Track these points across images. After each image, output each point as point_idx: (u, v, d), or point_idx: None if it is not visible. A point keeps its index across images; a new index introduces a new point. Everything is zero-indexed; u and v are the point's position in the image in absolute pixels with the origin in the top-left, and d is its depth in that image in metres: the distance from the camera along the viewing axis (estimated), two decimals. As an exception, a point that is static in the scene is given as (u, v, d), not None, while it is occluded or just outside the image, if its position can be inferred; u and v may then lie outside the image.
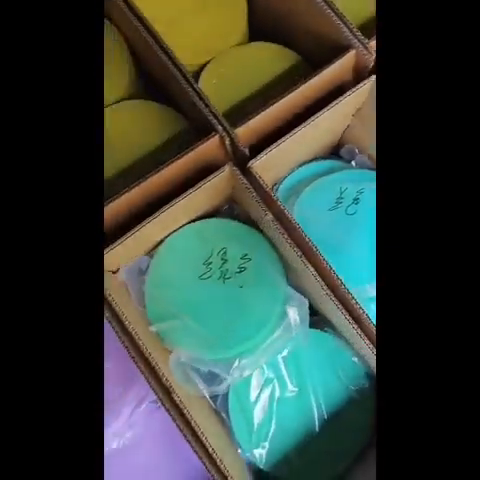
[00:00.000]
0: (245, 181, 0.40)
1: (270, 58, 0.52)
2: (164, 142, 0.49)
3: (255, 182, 0.40)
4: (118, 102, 0.51)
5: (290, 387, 0.45)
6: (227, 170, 0.40)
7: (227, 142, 0.40)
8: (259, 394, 0.44)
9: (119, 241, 0.40)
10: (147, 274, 0.46)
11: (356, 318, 0.39)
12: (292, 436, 0.44)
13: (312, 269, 0.38)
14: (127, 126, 0.50)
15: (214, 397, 0.45)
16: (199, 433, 0.35)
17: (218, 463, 0.35)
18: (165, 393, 0.37)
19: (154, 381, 0.37)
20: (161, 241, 0.47)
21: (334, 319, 0.43)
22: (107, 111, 0.51)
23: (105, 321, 0.40)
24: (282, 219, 0.39)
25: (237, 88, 0.50)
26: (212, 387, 0.43)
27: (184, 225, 0.47)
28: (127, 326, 0.37)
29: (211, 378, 0.44)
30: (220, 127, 0.40)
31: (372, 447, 0.43)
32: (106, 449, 0.42)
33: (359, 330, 0.39)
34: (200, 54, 0.53)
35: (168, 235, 0.47)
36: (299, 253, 0.39)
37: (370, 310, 0.38)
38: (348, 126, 0.52)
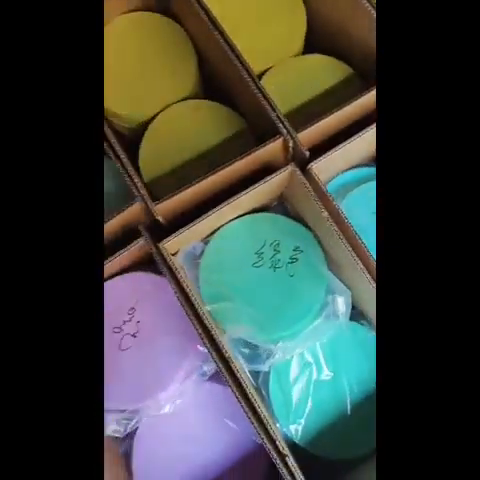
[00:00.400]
0: (305, 181, 0.44)
1: (326, 70, 0.57)
2: (224, 141, 0.53)
3: (314, 182, 0.44)
4: (182, 100, 0.56)
5: (326, 371, 0.49)
6: (289, 170, 0.45)
7: (290, 144, 0.45)
8: (298, 376, 0.48)
9: (183, 229, 0.44)
10: (201, 258, 0.50)
11: None
12: (326, 416, 0.48)
13: (361, 265, 0.42)
14: (191, 124, 0.54)
15: (256, 375, 0.49)
16: (253, 400, 0.40)
17: (270, 430, 0.39)
18: (224, 363, 0.41)
19: (215, 352, 0.41)
20: (216, 229, 0.52)
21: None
22: (172, 109, 0.55)
23: (173, 296, 0.45)
24: (336, 217, 0.44)
25: (294, 96, 0.55)
26: (254, 364, 0.47)
27: (238, 217, 0.52)
28: (193, 302, 0.42)
29: (255, 356, 0.48)
30: (285, 130, 0.45)
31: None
32: (157, 412, 0.46)
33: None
34: (260, 62, 0.57)
35: (223, 224, 0.52)
36: (349, 249, 0.43)
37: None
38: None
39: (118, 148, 0.44)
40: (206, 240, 0.52)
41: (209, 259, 0.50)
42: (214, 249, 0.50)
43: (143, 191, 0.43)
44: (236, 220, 0.52)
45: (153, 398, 0.46)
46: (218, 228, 0.52)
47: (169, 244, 0.43)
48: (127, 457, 0.49)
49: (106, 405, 0.45)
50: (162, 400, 0.46)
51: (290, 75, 0.56)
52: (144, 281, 0.50)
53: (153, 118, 0.55)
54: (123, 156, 0.44)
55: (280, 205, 0.55)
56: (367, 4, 0.49)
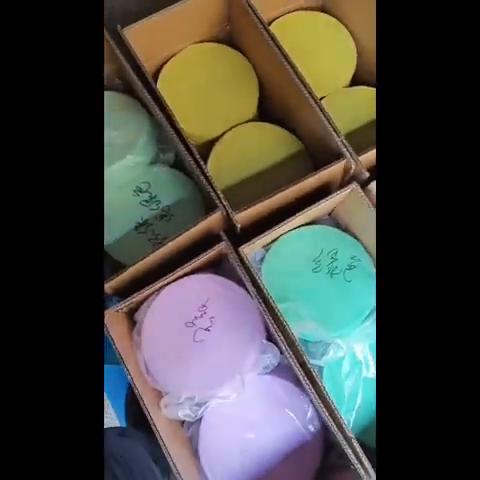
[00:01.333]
0: (367, 199, 0.50)
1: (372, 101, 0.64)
2: (284, 160, 0.60)
3: (372, 199, 0.51)
4: (245, 122, 0.63)
5: (372, 369, 0.54)
6: (351, 189, 0.51)
7: (353, 166, 0.51)
8: (349, 372, 0.54)
9: (256, 239, 0.50)
10: (262, 263, 0.56)
11: None
12: (374, 409, 0.53)
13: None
14: (253, 144, 0.61)
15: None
16: (318, 380, 0.45)
17: (333, 408, 0.45)
18: (296, 356, 0.47)
19: (288, 347, 0.47)
20: (276, 239, 0.58)
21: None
22: (236, 129, 0.62)
23: (242, 295, 0.51)
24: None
25: (350, 123, 0.61)
26: (311, 359, 0.53)
27: (296, 228, 0.58)
28: (269, 300, 0.47)
29: (311, 353, 0.53)
30: (348, 153, 0.51)
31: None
32: (224, 400, 0.52)
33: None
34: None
35: (283, 234, 0.58)
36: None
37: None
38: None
39: (202, 163, 0.51)
40: (267, 247, 0.58)
41: (272, 264, 0.56)
42: (276, 255, 0.56)
43: (225, 202, 0.49)
44: (294, 230, 0.58)
45: (221, 387, 0.51)
46: (277, 237, 0.58)
47: (247, 248, 0.49)
48: (193, 440, 0.54)
49: (180, 391, 0.50)
50: (229, 389, 0.51)
51: (343, 104, 0.63)
52: (213, 282, 0.55)
53: (218, 137, 0.62)
54: (207, 170, 0.51)
55: (331, 219, 0.61)
56: None
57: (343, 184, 0.53)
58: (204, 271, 0.57)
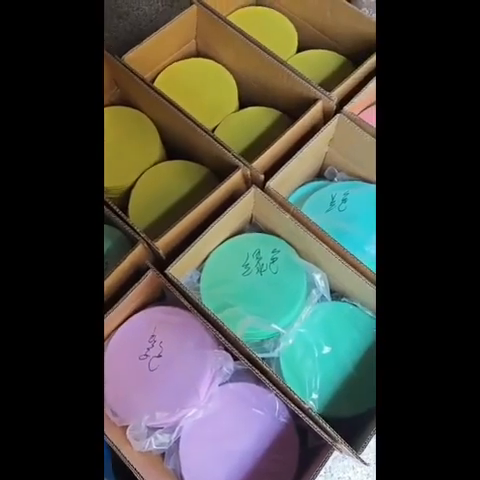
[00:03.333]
0: (266, 196, 0.56)
1: (261, 117, 0.72)
2: (194, 187, 0.66)
3: (273, 196, 0.57)
4: (152, 166, 0.69)
5: (325, 347, 0.58)
6: (252, 192, 0.57)
7: (248, 173, 0.57)
8: (303, 356, 0.57)
9: (179, 258, 0.54)
10: (200, 281, 0.60)
11: (369, 278, 0.53)
12: (334, 384, 0.56)
13: (325, 246, 0.54)
14: (165, 181, 0.67)
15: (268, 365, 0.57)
16: (271, 372, 0.48)
17: (292, 395, 0.48)
18: (248, 358, 0.50)
19: (236, 350, 0.50)
20: (206, 258, 0.62)
21: (351, 285, 0.57)
22: (147, 173, 0.68)
23: (185, 317, 0.54)
24: (298, 217, 0.56)
25: (242, 140, 0.69)
26: (265, 353, 0.56)
27: (222, 243, 0.63)
28: (207, 312, 0.51)
29: (264, 349, 0.57)
30: (241, 163, 0.57)
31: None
32: (194, 418, 0.53)
33: (374, 286, 0.53)
34: (208, 121, 0.71)
35: (210, 252, 0.62)
36: (313, 237, 0.54)
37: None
38: (326, 153, 0.70)
39: (117, 209, 0.56)
40: (200, 267, 0.62)
41: (207, 279, 0.60)
42: (210, 271, 0.61)
43: (143, 234, 0.54)
44: (221, 245, 0.63)
45: (187, 407, 0.53)
46: (208, 255, 0.62)
47: (173, 270, 0.53)
48: (176, 468, 0.54)
49: (150, 423, 0.52)
50: (195, 407, 0.53)
51: (235, 126, 0.71)
52: (157, 312, 0.59)
53: (134, 184, 0.67)
54: (121, 212, 0.55)
55: (254, 226, 0.66)
56: (283, 67, 0.65)
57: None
58: (151, 306, 0.61)
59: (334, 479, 0.74)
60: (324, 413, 0.54)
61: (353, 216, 0.61)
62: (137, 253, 0.54)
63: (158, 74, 0.75)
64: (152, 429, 0.52)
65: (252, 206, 0.61)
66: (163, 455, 0.55)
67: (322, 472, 0.75)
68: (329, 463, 0.75)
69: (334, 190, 0.66)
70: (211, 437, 0.54)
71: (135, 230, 0.54)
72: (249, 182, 0.59)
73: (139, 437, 0.51)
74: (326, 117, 0.66)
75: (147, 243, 0.53)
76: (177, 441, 0.53)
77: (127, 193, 0.67)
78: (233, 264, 0.61)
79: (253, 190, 0.57)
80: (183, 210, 0.59)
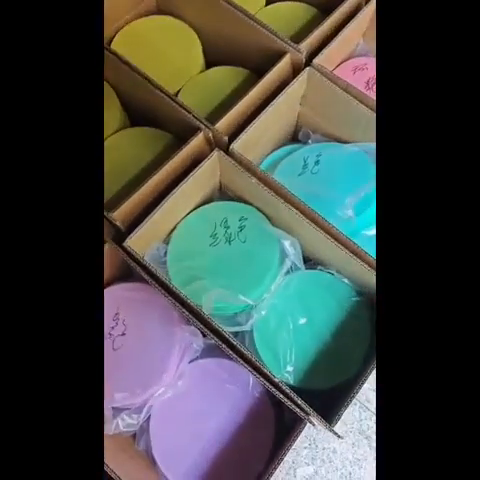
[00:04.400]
0: (230, 159, 0.52)
1: (228, 77, 0.66)
2: (156, 155, 0.61)
3: (238, 159, 0.53)
4: (115, 133, 0.64)
5: (300, 318, 0.55)
6: (215, 155, 0.53)
7: (210, 135, 0.53)
8: (277, 328, 0.54)
9: (138, 229, 0.50)
10: (167, 254, 0.57)
11: (344, 244, 0.50)
12: (310, 355, 0.53)
13: (300, 214, 0.50)
14: (126, 150, 0.62)
15: (241, 339, 0.54)
16: (238, 346, 0.45)
17: (261, 368, 0.45)
18: (215, 332, 0.47)
19: (203, 325, 0.47)
20: (172, 230, 0.59)
21: (326, 252, 0.54)
22: (109, 141, 0.63)
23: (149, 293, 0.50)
24: (266, 181, 0.52)
25: (209, 102, 0.64)
26: (237, 327, 0.53)
27: (187, 214, 0.59)
28: (171, 287, 0.47)
29: (236, 322, 0.54)
30: (202, 125, 0.53)
31: (373, 355, 0.53)
32: (163, 397, 0.50)
33: (350, 253, 0.50)
34: (173, 85, 0.66)
35: (177, 223, 0.58)
36: (282, 201, 0.50)
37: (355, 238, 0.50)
38: (299, 114, 0.66)
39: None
40: (167, 240, 0.58)
41: (174, 252, 0.56)
42: (176, 243, 0.57)
43: (98, 205, 0.50)
44: (187, 216, 0.59)
45: (155, 386, 0.50)
46: (175, 227, 0.58)
47: (132, 242, 0.49)
48: (148, 451, 0.52)
49: (113, 404, 0.49)
50: (164, 386, 0.50)
51: (200, 87, 0.66)
52: (120, 289, 0.55)
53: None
54: None
55: (223, 194, 0.62)
56: (249, 20, 0.59)
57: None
58: (116, 283, 0.57)
59: (319, 450, 0.73)
60: (300, 386, 0.52)
61: (326, 179, 0.57)
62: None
63: (115, 34, 0.69)
64: (119, 410, 0.50)
65: (218, 172, 0.57)
66: (135, 436, 0.53)
67: (307, 444, 0.75)
68: (313, 434, 0.74)
69: (306, 152, 0.62)
70: (183, 415, 0.52)
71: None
72: (213, 145, 0.55)
73: (105, 419, 0.48)
74: (295, 72, 0.61)
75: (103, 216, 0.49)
76: (147, 421, 0.51)
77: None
78: (200, 235, 0.57)
79: (216, 153, 0.53)
80: (144, 179, 0.55)
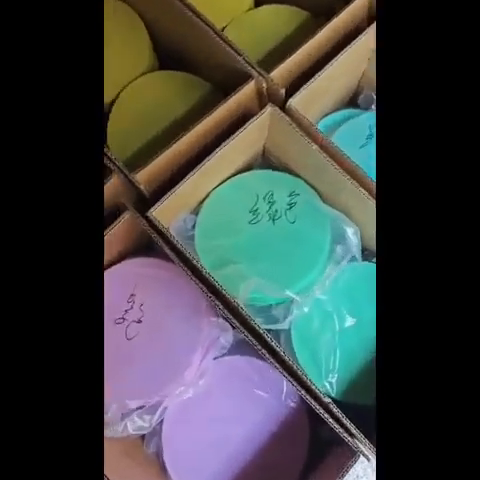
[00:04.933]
0: (287, 118, 0.42)
1: (282, 18, 0.55)
2: (192, 106, 0.50)
3: (296, 119, 0.42)
4: (141, 76, 0.53)
5: (349, 318, 0.46)
6: (268, 111, 0.42)
7: (264, 85, 0.42)
8: (320, 328, 0.46)
9: (167, 196, 0.41)
10: (195, 229, 0.47)
11: None
12: (357, 364, 0.45)
13: (363, 190, 0.40)
14: (153, 96, 0.52)
15: (276, 337, 0.46)
16: (285, 358, 0.37)
17: (300, 375, 0.36)
18: (247, 327, 0.38)
19: (235, 319, 0.38)
20: (203, 199, 0.49)
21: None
22: (131, 87, 0.52)
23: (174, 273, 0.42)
24: (328, 150, 0.41)
25: (257, 47, 0.52)
26: (273, 324, 0.44)
27: (225, 181, 0.49)
28: (200, 269, 0.38)
29: (272, 317, 0.45)
30: (255, 72, 0.42)
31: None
32: (181, 398, 0.43)
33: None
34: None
35: (210, 192, 0.49)
36: (348, 177, 0.40)
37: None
38: (364, 73, 0.54)
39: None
40: (196, 211, 0.49)
41: (204, 226, 0.47)
42: (207, 215, 0.47)
43: (120, 163, 0.40)
44: (224, 183, 0.49)
45: (173, 384, 0.42)
46: (207, 196, 0.49)
47: (158, 212, 0.40)
48: (158, 456, 0.45)
49: (123, 402, 0.41)
50: (183, 385, 0.43)
51: (247, 28, 0.54)
52: (139, 265, 0.46)
53: (114, 101, 0.52)
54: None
55: (266, 162, 0.52)
56: None
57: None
58: (133, 257, 0.48)
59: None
60: (342, 399, 0.44)
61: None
62: (111, 189, 0.40)
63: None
64: (130, 410, 0.42)
65: (266, 133, 0.46)
66: (143, 437, 0.46)
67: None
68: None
69: (371, 119, 0.51)
70: (202, 420, 0.44)
71: (109, 157, 0.40)
72: (265, 99, 0.44)
73: (111, 420, 0.41)
74: (370, 19, 0.49)
75: (124, 175, 0.40)
76: (160, 424, 0.44)
77: (106, 112, 0.52)
78: (238, 209, 0.47)
79: (270, 109, 0.42)
80: (175, 135, 0.45)
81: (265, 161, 0.52)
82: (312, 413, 0.44)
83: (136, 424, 0.41)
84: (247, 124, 0.42)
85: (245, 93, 0.42)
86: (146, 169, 0.40)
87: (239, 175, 0.49)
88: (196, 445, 0.44)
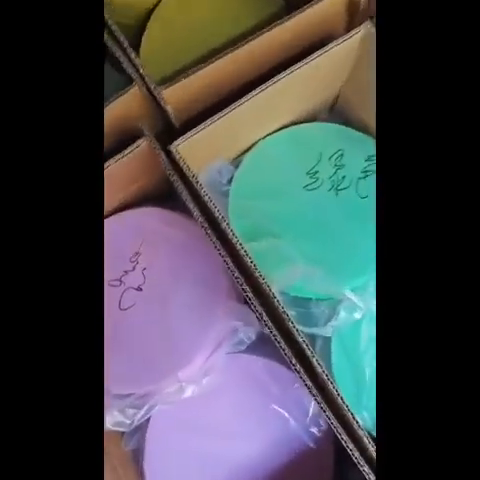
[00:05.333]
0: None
1: None
2: (253, 20, 0.38)
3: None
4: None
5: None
6: (361, 33, 0.29)
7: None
8: (370, 343, 0.34)
9: (197, 128, 0.29)
10: (231, 185, 0.36)
11: None
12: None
13: None
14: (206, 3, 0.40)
15: (311, 342, 0.35)
16: (320, 373, 0.26)
17: (346, 415, 0.26)
18: (277, 323, 0.27)
19: (262, 308, 0.27)
20: (248, 149, 0.38)
21: None
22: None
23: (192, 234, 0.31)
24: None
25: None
26: (311, 327, 0.33)
27: (281, 129, 0.37)
28: (228, 234, 0.28)
29: (311, 317, 0.34)
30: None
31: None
32: (174, 397, 0.33)
33: None
34: None
35: (258, 141, 0.37)
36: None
37: None
38: None
39: (123, 38, 0.29)
40: (237, 161, 0.38)
41: (243, 183, 0.36)
42: (249, 171, 0.36)
43: (143, 69, 0.29)
44: (276, 133, 0.37)
45: (170, 377, 0.32)
46: (254, 144, 0.37)
47: (183, 148, 0.29)
48: (136, 454, 0.36)
49: (105, 387, 0.32)
50: (182, 380, 0.33)
51: None
52: (149, 216, 0.36)
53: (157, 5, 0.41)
54: (126, 44, 0.29)
55: (337, 114, 0.40)
56: None
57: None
58: (146, 205, 0.38)
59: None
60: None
61: None
62: (129, 106, 0.29)
63: None
64: (110, 398, 0.33)
65: (351, 65, 0.34)
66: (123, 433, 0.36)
67: None
68: None
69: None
70: (196, 430, 0.34)
71: (130, 58, 0.29)
72: (357, 13, 0.32)
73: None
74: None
75: (147, 87, 0.28)
76: (145, 425, 0.34)
77: (146, 17, 0.41)
78: (291, 167, 0.36)
79: (363, 29, 0.29)
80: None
81: (335, 115, 0.39)
82: (341, 450, 0.33)
83: (115, 419, 0.32)
84: (329, 46, 0.29)
85: (331, 3, 0.30)
86: (177, 86, 0.29)
87: (300, 125, 0.37)
88: (186, 459, 0.34)
